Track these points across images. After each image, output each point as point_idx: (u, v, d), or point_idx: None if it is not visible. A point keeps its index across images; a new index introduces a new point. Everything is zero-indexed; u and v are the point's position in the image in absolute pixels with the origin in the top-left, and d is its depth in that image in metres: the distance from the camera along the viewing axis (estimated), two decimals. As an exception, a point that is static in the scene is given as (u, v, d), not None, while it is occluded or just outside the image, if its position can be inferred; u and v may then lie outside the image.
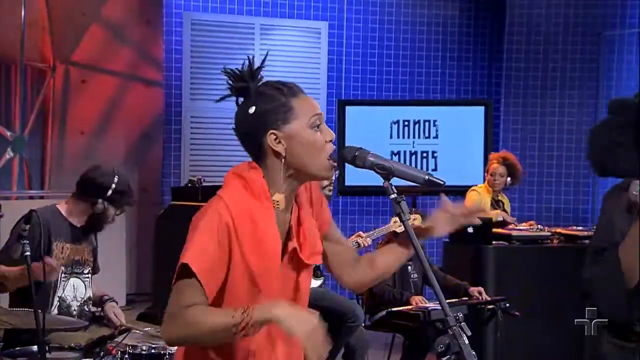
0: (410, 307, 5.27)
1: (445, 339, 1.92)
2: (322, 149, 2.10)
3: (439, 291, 2.05)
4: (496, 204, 6.90)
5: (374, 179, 7.41)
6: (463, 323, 1.95)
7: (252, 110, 2.05)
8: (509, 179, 6.79)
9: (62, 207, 3.93)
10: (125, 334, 3.68)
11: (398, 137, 8.50)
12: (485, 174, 6.90)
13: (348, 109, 8.47)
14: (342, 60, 9.28)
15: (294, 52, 9.20)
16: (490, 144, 8.27)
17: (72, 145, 9.59)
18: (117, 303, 4.42)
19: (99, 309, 4.13)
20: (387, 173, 2.06)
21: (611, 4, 8.69)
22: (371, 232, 5.04)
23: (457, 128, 8.52)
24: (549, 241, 6.57)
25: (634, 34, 8.48)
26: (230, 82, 2.16)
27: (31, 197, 8.69)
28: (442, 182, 2.07)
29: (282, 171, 2.08)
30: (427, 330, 5.33)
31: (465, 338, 1.91)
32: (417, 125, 8.50)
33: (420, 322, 5.21)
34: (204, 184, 6.73)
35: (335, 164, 2.16)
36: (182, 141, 8.96)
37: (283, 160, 2.06)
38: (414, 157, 8.53)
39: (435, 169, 8.50)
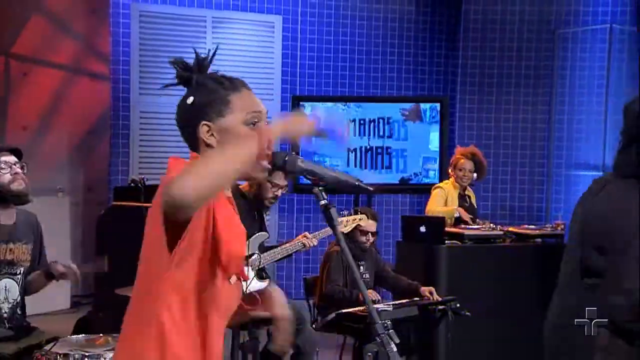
0: (358, 308, 5.25)
1: (374, 346, 1.96)
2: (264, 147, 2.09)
3: (367, 298, 2.09)
4: (462, 199, 6.95)
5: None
6: (391, 330, 1.96)
7: (190, 100, 2.10)
8: (476, 174, 6.86)
9: None
10: (54, 343, 3.62)
11: (354, 134, 8.52)
12: (451, 170, 6.93)
13: (302, 105, 8.46)
14: (296, 55, 9.30)
15: (247, 46, 9.20)
16: (446, 141, 8.37)
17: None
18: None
19: (50, 280, 4.00)
20: (317, 179, 2.05)
21: (566, 1, 8.78)
22: (317, 233, 5.06)
23: (412, 125, 8.58)
24: (501, 240, 6.61)
25: (587, 32, 8.61)
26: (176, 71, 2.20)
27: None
28: (370, 189, 2.08)
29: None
30: (377, 329, 5.28)
31: (393, 345, 1.92)
32: (372, 123, 8.55)
33: (368, 323, 5.15)
34: (148, 183, 6.58)
35: (269, 166, 2.11)
36: (131, 137, 8.89)
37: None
38: (369, 154, 8.57)
39: (389, 167, 8.56)
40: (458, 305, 5.71)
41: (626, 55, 8.56)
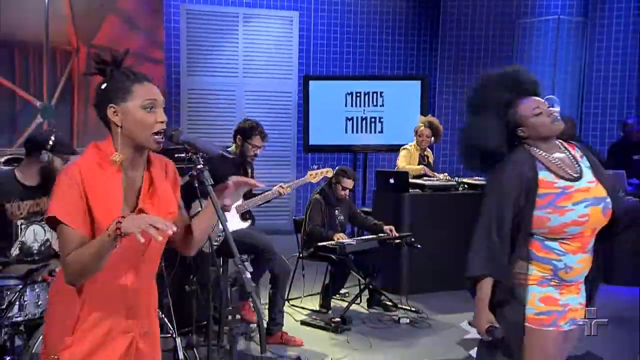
0: (332, 242, 5.30)
1: (234, 274, 2.04)
2: (150, 127, 2.05)
3: (230, 240, 1.97)
4: (422, 158, 6.88)
5: (333, 139, 7.64)
6: (247, 262, 1.94)
7: (102, 86, 2.08)
8: (432, 138, 6.78)
9: (18, 172, 3.60)
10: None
11: (352, 105, 8.52)
12: (414, 135, 6.85)
13: (311, 83, 8.48)
14: (309, 43, 9.25)
15: (271, 36, 9.16)
16: (426, 112, 8.18)
17: (94, 113, 9.55)
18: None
19: None
20: (192, 148, 2.07)
21: None
22: (291, 183, 4.93)
23: (399, 98, 8.49)
24: (455, 189, 6.62)
25: (541, 22, 8.45)
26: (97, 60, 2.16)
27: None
28: (232, 157, 2.16)
29: (120, 138, 2.06)
30: (346, 259, 5.36)
31: (248, 274, 1.91)
32: (367, 96, 8.51)
33: (337, 253, 5.24)
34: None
35: (162, 140, 2.08)
36: (181, 109, 8.97)
37: (120, 129, 2.05)
38: (364, 122, 8.53)
39: (381, 131, 8.52)
40: (413, 239, 5.76)
41: (572, 41, 8.43)
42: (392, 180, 6.38)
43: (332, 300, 5.74)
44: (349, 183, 5.69)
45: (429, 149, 7.02)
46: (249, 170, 4.80)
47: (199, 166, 2.06)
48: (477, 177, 6.98)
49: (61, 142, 3.53)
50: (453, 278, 6.15)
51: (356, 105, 8.52)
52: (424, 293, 6.19)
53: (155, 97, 2.08)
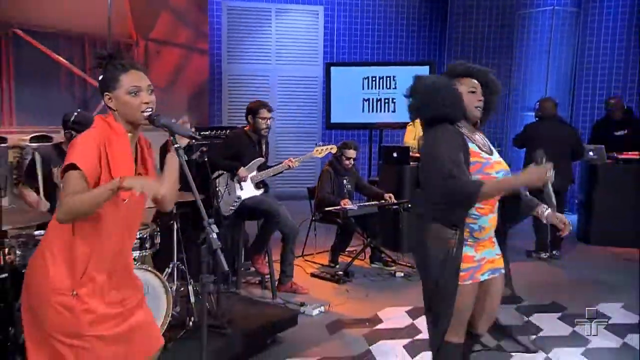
0: (338, 207, 5.39)
1: (203, 234, 2.08)
2: (136, 108, 2.10)
3: (200, 205, 2.01)
4: None
5: (352, 118, 7.63)
6: (214, 225, 1.99)
7: (100, 78, 2.16)
8: None
9: (64, 144, 3.67)
10: None
11: (368, 88, 8.46)
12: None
13: (333, 69, 8.47)
14: (333, 34, 9.25)
15: (300, 28, 9.19)
16: None
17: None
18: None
19: None
20: (169, 130, 2.10)
21: None
22: (299, 158, 4.85)
23: (410, 81, 8.48)
24: None
25: (539, 12, 8.27)
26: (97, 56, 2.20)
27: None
28: (199, 137, 2.19)
29: (117, 119, 2.14)
30: (348, 221, 5.48)
31: (214, 234, 1.96)
32: (381, 80, 8.44)
33: (342, 217, 5.37)
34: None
35: (149, 112, 2.10)
36: (222, 93, 9.14)
37: (117, 114, 2.13)
38: (379, 102, 8.48)
39: (394, 111, 8.43)
40: (409, 205, 5.75)
41: (566, 29, 8.26)
42: (395, 154, 6.42)
43: (340, 256, 5.84)
44: (351, 153, 5.68)
45: None
46: (264, 145, 4.86)
47: (175, 146, 2.10)
48: None
49: (79, 121, 3.53)
50: None
51: (372, 88, 8.49)
52: None
53: (139, 84, 2.11)
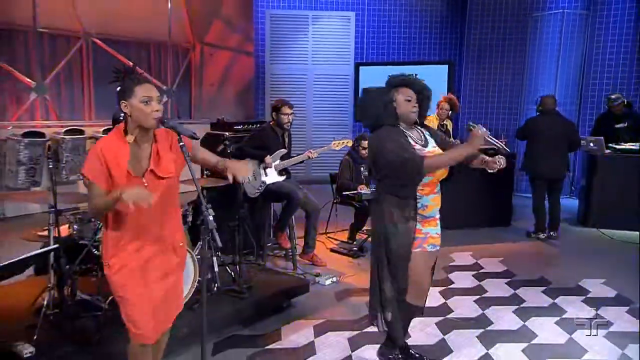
0: (352, 192, 5.40)
1: (201, 216, 2.24)
2: (147, 114, 2.21)
3: (199, 191, 2.18)
4: (441, 127, 6.54)
5: None
6: (211, 210, 2.21)
7: (117, 89, 2.25)
8: (450, 111, 6.54)
9: None
10: None
11: None
12: (436, 108, 6.52)
13: (361, 68, 8.61)
14: (363, 37, 9.25)
15: (334, 32, 9.25)
16: (453, 90, 8.14)
17: (205, 93, 9.84)
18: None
19: None
20: (175, 131, 2.25)
21: None
22: (318, 149, 4.91)
23: (430, 79, 8.31)
24: None
25: (551, 15, 8.04)
26: (115, 71, 2.32)
27: (181, 123, 8.88)
28: (198, 137, 2.33)
29: (131, 122, 2.26)
30: (363, 204, 5.45)
31: (210, 216, 2.14)
32: None
33: (357, 200, 5.42)
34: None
35: (158, 117, 2.21)
36: (265, 90, 9.28)
37: (130, 118, 2.25)
38: None
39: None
40: None
41: (576, 31, 8.00)
42: None
43: (358, 234, 5.88)
44: (367, 144, 5.64)
45: (448, 119, 6.76)
46: (286, 138, 4.94)
47: (180, 144, 2.24)
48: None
49: (117, 118, 3.58)
50: (455, 220, 6.14)
51: None
52: None
53: (150, 95, 2.23)
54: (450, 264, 5.24)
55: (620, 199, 6.34)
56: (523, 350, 3.42)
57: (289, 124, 4.82)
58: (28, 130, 6.52)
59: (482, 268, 5.11)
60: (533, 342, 3.55)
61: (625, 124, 6.69)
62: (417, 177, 2.71)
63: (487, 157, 2.87)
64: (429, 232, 2.85)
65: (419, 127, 2.92)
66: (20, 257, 2.58)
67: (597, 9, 8.01)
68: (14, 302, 3.46)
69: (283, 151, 4.87)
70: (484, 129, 2.71)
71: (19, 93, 7.51)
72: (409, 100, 2.80)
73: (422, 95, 2.88)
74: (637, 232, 5.94)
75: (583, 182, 7.01)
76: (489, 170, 2.84)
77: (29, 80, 7.51)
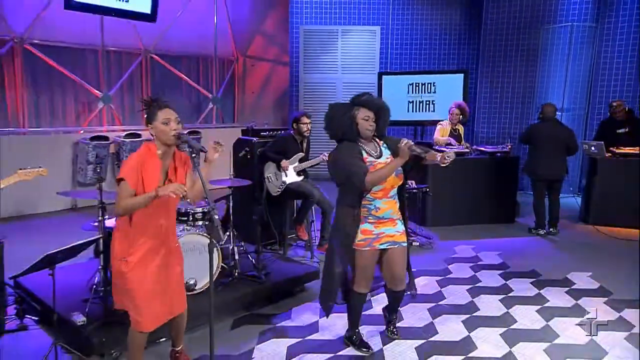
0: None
1: (207, 215, 2.44)
2: (167, 133, 2.41)
3: (207, 191, 2.34)
4: (454, 131, 6.63)
5: (400, 117, 8.57)
6: (215, 210, 2.25)
7: (145, 115, 2.45)
8: (461, 117, 6.50)
9: None
10: None
11: (413, 92, 8.51)
12: (448, 114, 6.58)
13: (384, 77, 8.62)
14: (387, 49, 9.30)
15: (361, 45, 9.32)
16: (467, 98, 8.04)
17: (247, 100, 10.27)
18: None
19: None
20: (188, 144, 2.42)
21: (549, 4, 8.03)
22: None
23: (447, 87, 8.31)
24: (469, 153, 6.38)
25: (562, 27, 7.90)
26: (143, 102, 2.49)
27: (224, 127, 9.23)
28: (205, 150, 2.49)
29: (157, 142, 2.46)
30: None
31: (216, 217, 2.27)
32: (423, 86, 8.44)
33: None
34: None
35: (177, 133, 2.36)
36: (299, 97, 9.44)
37: (155, 137, 2.46)
38: (421, 104, 8.48)
39: (433, 111, 8.41)
40: (427, 190, 5.80)
41: (585, 42, 7.84)
42: (418, 149, 6.44)
43: None
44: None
45: (460, 125, 6.74)
46: (305, 144, 5.08)
47: (193, 155, 2.45)
48: (488, 146, 6.86)
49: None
50: (463, 216, 6.31)
51: (416, 92, 8.51)
52: (443, 225, 6.24)
53: (169, 117, 2.43)
54: (452, 256, 5.30)
55: (618, 199, 6.26)
56: (501, 334, 3.52)
57: (308, 131, 4.99)
58: (95, 134, 7.04)
59: (481, 260, 5.17)
60: (512, 327, 3.64)
61: (626, 129, 6.57)
62: (361, 188, 2.82)
63: (438, 155, 2.96)
64: (383, 232, 2.94)
65: (377, 140, 3.02)
66: (74, 244, 2.91)
67: (605, 22, 7.83)
68: (74, 279, 3.82)
69: (300, 155, 5.03)
70: (410, 142, 2.80)
71: (89, 103, 8.09)
72: (367, 120, 2.90)
73: (380, 113, 2.96)
74: (632, 229, 5.87)
75: (584, 184, 6.93)
76: (442, 165, 2.94)
77: (97, 91, 8.06)
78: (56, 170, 6.53)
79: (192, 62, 9.43)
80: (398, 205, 3.04)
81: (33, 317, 3.52)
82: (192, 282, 3.47)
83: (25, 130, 7.26)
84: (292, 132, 5.11)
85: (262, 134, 5.38)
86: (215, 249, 3.71)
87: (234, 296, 3.73)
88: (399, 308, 3.47)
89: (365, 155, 2.90)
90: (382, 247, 2.98)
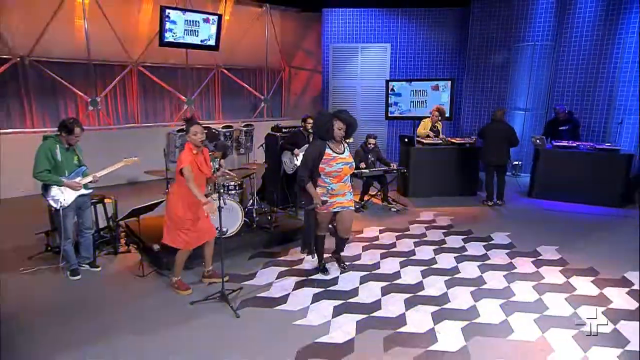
0: (357, 170, 5.48)
1: (217, 196, 2.76)
2: (196, 140, 2.83)
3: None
4: (433, 127, 6.66)
5: (402, 113, 8.36)
6: (225, 195, 2.68)
7: (184, 128, 2.86)
8: (440, 117, 6.58)
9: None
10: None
11: (413, 95, 8.45)
12: (430, 114, 6.65)
13: (390, 83, 8.58)
14: (396, 60, 9.31)
15: (375, 59, 9.30)
16: (453, 102, 7.97)
17: (292, 99, 10.52)
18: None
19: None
20: (213, 146, 2.97)
21: (517, 28, 7.93)
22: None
23: (436, 92, 8.27)
24: (442, 144, 6.44)
25: (528, 46, 7.82)
26: (184, 119, 2.84)
27: (271, 120, 9.27)
28: (230, 147, 3.11)
29: (191, 144, 2.87)
30: (367, 179, 5.79)
31: (221, 198, 2.72)
32: (417, 92, 8.39)
33: (358, 176, 5.57)
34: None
35: (202, 141, 2.72)
36: (329, 98, 9.59)
37: (190, 141, 2.86)
38: (419, 103, 8.39)
39: (426, 108, 8.30)
40: (405, 170, 6.02)
41: (546, 58, 7.75)
42: (406, 139, 6.55)
43: (366, 197, 6.01)
44: (372, 141, 5.84)
45: (439, 122, 6.76)
46: (311, 137, 5.19)
47: (211, 153, 2.94)
48: (458, 138, 6.91)
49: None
50: (437, 189, 6.58)
51: (415, 95, 8.53)
52: (422, 196, 6.41)
53: (197, 130, 2.86)
54: (416, 218, 5.54)
55: (555, 180, 6.46)
56: (445, 282, 3.73)
57: (312, 127, 5.12)
58: (180, 127, 7.95)
59: (435, 222, 5.44)
60: (456, 276, 3.84)
61: (567, 127, 6.72)
62: (301, 181, 3.18)
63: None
64: (335, 201, 3.40)
65: (345, 142, 3.44)
66: (150, 203, 3.76)
67: (561, 41, 7.69)
68: (154, 222, 4.60)
69: (307, 145, 5.26)
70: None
71: (177, 104, 9.03)
72: (340, 129, 3.36)
73: (350, 126, 3.37)
74: (561, 202, 6.03)
75: (531, 167, 7.13)
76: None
77: (183, 97, 8.99)
78: (154, 153, 7.46)
79: (250, 72, 9.86)
80: (349, 185, 3.44)
81: (133, 245, 4.38)
82: (225, 229, 4.15)
83: (139, 125, 8.22)
84: (301, 128, 5.55)
85: (284, 130, 5.97)
86: (239, 209, 4.45)
87: (252, 240, 4.39)
88: (343, 248, 3.92)
89: (329, 151, 3.25)
90: (335, 210, 3.47)
